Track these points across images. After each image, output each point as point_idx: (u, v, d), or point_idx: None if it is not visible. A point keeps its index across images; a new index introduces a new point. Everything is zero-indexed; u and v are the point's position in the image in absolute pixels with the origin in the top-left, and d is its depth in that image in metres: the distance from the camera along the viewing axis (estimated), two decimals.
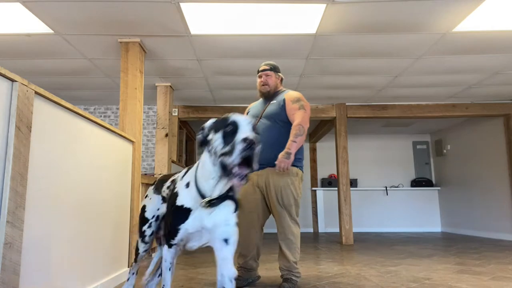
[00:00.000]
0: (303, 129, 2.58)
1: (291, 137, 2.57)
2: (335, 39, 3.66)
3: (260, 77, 2.82)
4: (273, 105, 2.75)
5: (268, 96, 2.82)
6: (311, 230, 8.18)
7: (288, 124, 2.67)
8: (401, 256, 4.34)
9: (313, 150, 8.48)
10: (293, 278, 2.64)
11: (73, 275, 2.17)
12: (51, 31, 3.42)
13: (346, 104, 6.01)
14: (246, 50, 3.88)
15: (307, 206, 8.30)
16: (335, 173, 8.14)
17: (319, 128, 7.32)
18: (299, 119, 2.61)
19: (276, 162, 2.50)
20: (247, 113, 2.92)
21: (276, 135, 2.64)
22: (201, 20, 3.25)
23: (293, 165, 2.61)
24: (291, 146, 2.54)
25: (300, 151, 2.70)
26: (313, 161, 8.45)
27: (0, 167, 1.55)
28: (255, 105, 2.94)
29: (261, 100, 2.92)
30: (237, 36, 3.58)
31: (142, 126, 4.59)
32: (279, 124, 2.68)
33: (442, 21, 3.29)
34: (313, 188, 8.25)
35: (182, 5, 2.99)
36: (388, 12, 3.13)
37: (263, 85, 2.79)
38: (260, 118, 2.73)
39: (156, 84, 5.00)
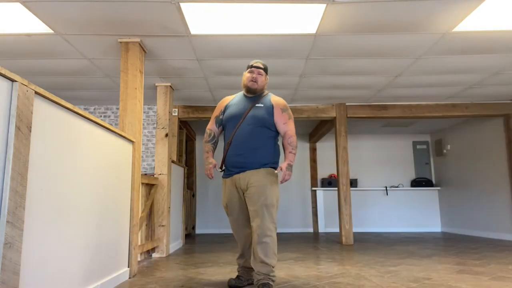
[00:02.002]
0: (296, 140, 2.70)
1: (289, 149, 2.65)
2: (335, 39, 3.66)
3: (251, 72, 2.70)
4: (261, 109, 2.68)
5: (254, 94, 2.73)
6: (311, 230, 8.18)
7: (272, 130, 2.69)
8: (401, 256, 4.34)
9: (313, 150, 8.49)
10: (270, 282, 2.51)
11: (73, 275, 2.17)
12: (51, 31, 3.42)
13: (346, 104, 6.01)
14: (246, 50, 3.88)
15: (307, 206, 8.31)
16: (335, 173, 8.16)
17: (319, 128, 7.32)
18: (292, 130, 2.69)
19: (282, 176, 2.57)
20: (225, 108, 2.78)
21: (262, 140, 2.64)
22: (201, 20, 3.25)
23: (272, 167, 2.66)
24: (292, 158, 2.64)
25: (277, 155, 2.74)
26: (313, 161, 8.45)
27: (0, 167, 1.55)
28: (236, 102, 2.78)
29: (241, 97, 2.79)
30: (237, 36, 3.58)
31: (142, 126, 4.59)
32: (265, 130, 2.66)
33: (442, 21, 3.29)
34: (313, 188, 8.26)
35: (182, 5, 2.99)
36: (388, 12, 3.13)
37: (252, 81, 2.68)
38: (244, 119, 2.65)
39: (156, 84, 5.01)
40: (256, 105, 2.68)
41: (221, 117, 2.79)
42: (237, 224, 2.74)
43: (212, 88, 5.15)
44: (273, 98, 2.75)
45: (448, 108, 6.00)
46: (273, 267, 2.52)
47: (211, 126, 2.83)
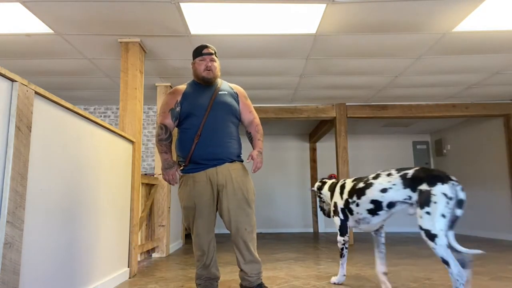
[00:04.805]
0: (261, 129, 2.53)
1: (258, 137, 2.47)
2: (335, 39, 3.66)
3: (203, 60, 2.41)
4: (226, 96, 2.43)
5: (209, 83, 2.43)
6: (311, 230, 8.18)
7: (237, 119, 2.48)
8: (401, 256, 4.33)
9: (313, 150, 8.49)
10: (263, 281, 2.36)
11: (73, 275, 2.17)
12: (51, 31, 3.42)
13: (346, 104, 6.01)
14: (246, 50, 3.88)
15: (307, 206, 8.30)
16: (335, 173, 8.15)
17: (319, 128, 7.32)
18: (258, 118, 2.54)
19: (255, 164, 2.37)
20: (182, 99, 2.41)
21: (232, 128, 2.42)
22: (201, 20, 3.25)
23: (241, 160, 2.46)
24: (261, 146, 2.46)
25: (241, 147, 2.51)
26: (313, 161, 8.45)
27: (0, 167, 1.55)
28: (194, 91, 2.44)
29: (196, 85, 2.47)
30: (237, 36, 3.58)
31: (142, 126, 4.59)
32: (234, 118, 2.43)
33: (442, 21, 3.29)
34: (313, 188, 8.24)
35: (182, 5, 2.99)
36: (388, 12, 3.13)
37: (207, 70, 2.39)
38: (211, 107, 2.36)
39: (156, 84, 5.01)
40: (219, 92, 2.43)
41: (177, 109, 2.40)
42: (205, 227, 2.35)
43: None
44: (233, 85, 2.56)
45: (448, 108, 6.00)
46: (259, 261, 2.34)
47: (166, 121, 2.38)
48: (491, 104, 5.96)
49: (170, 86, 5.03)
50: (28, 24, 3.29)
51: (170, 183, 2.38)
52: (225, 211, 2.32)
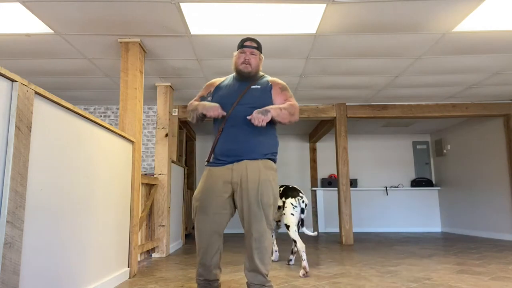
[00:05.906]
0: (294, 110, 2.25)
1: (281, 106, 2.23)
2: (335, 39, 3.66)
3: (243, 52, 2.30)
4: (257, 90, 2.29)
5: (247, 77, 2.32)
6: (311, 230, 8.18)
7: None
8: (401, 256, 4.34)
9: (313, 150, 8.49)
10: None
11: (73, 275, 2.17)
12: (51, 31, 3.42)
13: (346, 104, 6.01)
14: None
15: (307, 206, 8.30)
16: (335, 173, 8.16)
17: (319, 128, 7.32)
18: (295, 104, 2.30)
19: (251, 116, 2.12)
20: (215, 91, 2.38)
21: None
22: (201, 20, 3.25)
23: (270, 158, 2.28)
24: (278, 110, 2.18)
25: (276, 145, 2.35)
26: (313, 161, 8.45)
27: (0, 167, 1.55)
28: (228, 84, 2.37)
29: (233, 79, 2.38)
30: (237, 36, 3.58)
31: (142, 126, 4.59)
32: None
33: (442, 21, 3.29)
34: (313, 188, 8.25)
35: (182, 5, 2.99)
36: (388, 12, 3.13)
37: (245, 63, 2.28)
38: (238, 102, 2.25)
39: (156, 84, 5.01)
40: (252, 86, 2.30)
41: (209, 99, 2.36)
42: (209, 226, 2.20)
43: None
44: (271, 78, 2.38)
45: (448, 108, 6.00)
46: (267, 275, 2.17)
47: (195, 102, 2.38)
48: (491, 104, 5.96)
49: (170, 86, 5.03)
50: (28, 24, 3.29)
51: (220, 116, 2.21)
52: (239, 212, 2.22)
